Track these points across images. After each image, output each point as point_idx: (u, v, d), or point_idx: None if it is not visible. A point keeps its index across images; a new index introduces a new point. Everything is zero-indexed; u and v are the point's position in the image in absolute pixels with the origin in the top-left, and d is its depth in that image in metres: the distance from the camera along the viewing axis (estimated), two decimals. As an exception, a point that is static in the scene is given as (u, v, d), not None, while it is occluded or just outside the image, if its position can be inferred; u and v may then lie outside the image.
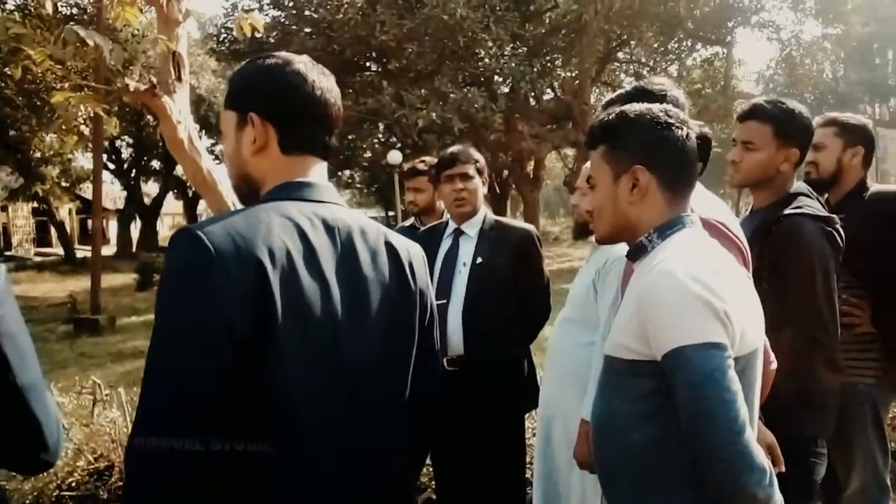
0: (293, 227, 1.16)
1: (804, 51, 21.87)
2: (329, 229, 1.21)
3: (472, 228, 2.92)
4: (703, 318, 1.25)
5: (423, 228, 3.29)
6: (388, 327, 1.26)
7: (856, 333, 2.51)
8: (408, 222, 3.75)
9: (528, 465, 3.07)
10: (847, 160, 2.69)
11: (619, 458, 1.41)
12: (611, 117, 1.50)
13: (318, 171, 1.30)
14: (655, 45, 20.79)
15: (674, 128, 1.43)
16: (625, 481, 1.40)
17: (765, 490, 1.22)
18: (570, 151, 26.47)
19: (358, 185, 32.39)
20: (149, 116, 25.05)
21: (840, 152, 2.69)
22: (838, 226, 2.20)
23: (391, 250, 1.29)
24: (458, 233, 2.93)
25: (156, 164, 30.18)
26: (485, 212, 2.97)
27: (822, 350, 2.11)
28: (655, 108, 1.48)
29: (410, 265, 1.32)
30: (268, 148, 1.27)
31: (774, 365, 1.72)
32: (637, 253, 1.47)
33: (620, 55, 20.44)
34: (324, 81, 1.30)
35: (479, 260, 2.82)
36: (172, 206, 36.53)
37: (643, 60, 21.62)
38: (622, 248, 2.13)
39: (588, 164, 2.24)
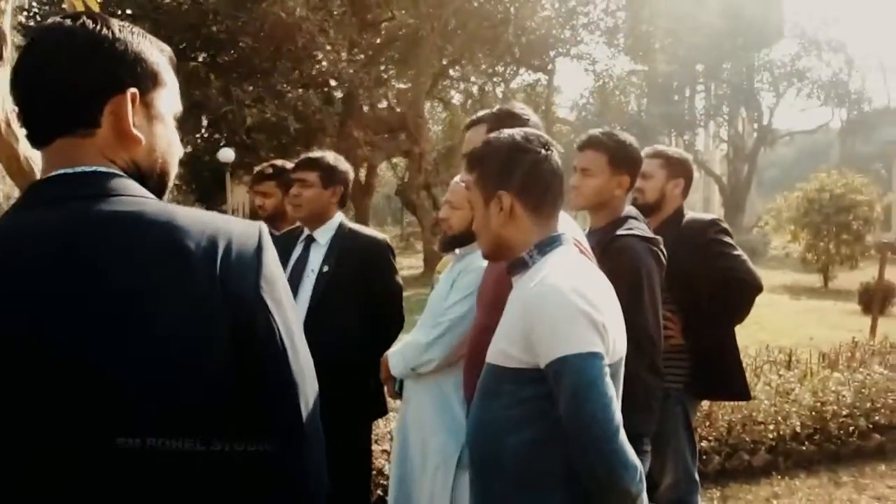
0: None
1: (615, 84, 23.97)
2: (59, 241, 0.94)
3: (323, 235, 2.87)
4: (585, 329, 1.36)
5: (280, 233, 3.19)
6: (151, 359, 0.92)
7: (669, 345, 2.74)
8: None
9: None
10: (669, 190, 2.96)
11: (495, 459, 1.48)
12: (479, 146, 1.61)
13: (75, 154, 1.00)
14: (484, 67, 21.75)
15: (529, 151, 1.54)
16: (499, 481, 1.47)
17: (637, 487, 1.34)
18: (401, 161, 26.89)
19: (176, 182, 30.52)
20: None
21: (664, 182, 2.95)
22: (661, 246, 2.43)
23: (180, 255, 0.95)
24: (310, 239, 2.88)
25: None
26: (339, 219, 2.94)
27: (647, 357, 2.29)
28: (516, 133, 1.58)
29: (223, 274, 0.97)
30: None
31: None
32: (517, 268, 1.56)
33: (452, 73, 21.13)
34: (43, 46, 1.01)
35: (326, 268, 2.79)
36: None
37: (473, 80, 22.52)
38: (477, 259, 2.25)
39: (457, 178, 2.34)
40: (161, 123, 1.08)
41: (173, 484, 0.95)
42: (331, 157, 2.94)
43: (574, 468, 1.37)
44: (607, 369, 1.37)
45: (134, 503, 0.94)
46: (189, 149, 22.20)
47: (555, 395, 1.36)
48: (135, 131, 1.02)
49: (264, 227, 1.06)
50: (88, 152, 1.00)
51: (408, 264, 20.93)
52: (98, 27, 1.01)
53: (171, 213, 0.99)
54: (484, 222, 1.59)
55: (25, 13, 17.50)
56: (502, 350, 1.47)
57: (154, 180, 1.07)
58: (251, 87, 14.66)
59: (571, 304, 1.37)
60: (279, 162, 3.44)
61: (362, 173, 21.97)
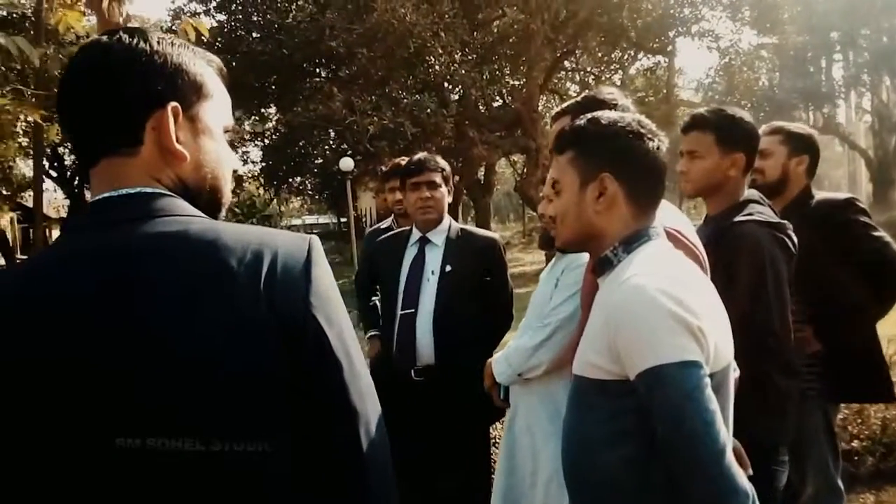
0: (30, 280, 0.93)
1: (742, 59, 22.53)
2: (100, 269, 0.90)
3: (438, 237, 2.92)
4: (678, 335, 1.20)
5: (384, 236, 3.25)
6: (193, 391, 0.89)
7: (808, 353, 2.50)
8: (384, 224, 3.76)
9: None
10: (792, 168, 2.72)
11: (590, 477, 1.36)
12: (582, 122, 1.46)
13: (119, 175, 0.96)
14: (600, 55, 21.12)
15: (644, 138, 1.41)
16: (596, 500, 1.36)
17: None
18: (519, 158, 26.72)
19: (310, 192, 32.15)
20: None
21: (785, 160, 2.72)
22: (790, 232, 2.20)
23: (222, 276, 0.91)
24: (424, 241, 2.92)
25: (100, 172, 29.48)
26: (449, 220, 2.98)
27: (776, 357, 2.08)
28: (628, 117, 1.45)
29: (268, 291, 0.92)
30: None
31: (737, 373, 1.67)
32: (602, 267, 1.42)
33: (567, 64, 20.71)
34: (80, 65, 0.98)
35: (448, 268, 2.83)
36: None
37: (588, 69, 21.96)
38: (580, 256, 2.12)
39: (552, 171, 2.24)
40: (208, 137, 1.02)
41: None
42: (439, 158, 3.00)
43: (675, 491, 1.22)
44: (707, 380, 1.20)
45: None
46: (319, 161, 23.32)
47: (647, 409, 1.22)
48: (178, 147, 0.97)
49: (315, 239, 1.00)
50: (133, 172, 0.96)
51: (530, 260, 20.79)
52: (135, 41, 0.97)
53: (216, 230, 0.94)
54: (574, 206, 1.44)
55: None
56: (588, 360, 1.34)
57: (205, 198, 1.02)
58: (370, 97, 15.11)
59: (660, 307, 1.21)
60: None
61: (481, 172, 22.06)
